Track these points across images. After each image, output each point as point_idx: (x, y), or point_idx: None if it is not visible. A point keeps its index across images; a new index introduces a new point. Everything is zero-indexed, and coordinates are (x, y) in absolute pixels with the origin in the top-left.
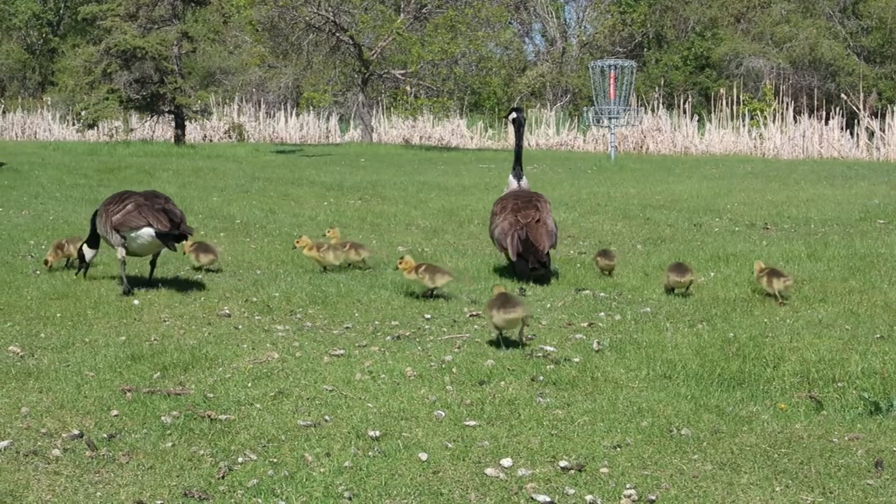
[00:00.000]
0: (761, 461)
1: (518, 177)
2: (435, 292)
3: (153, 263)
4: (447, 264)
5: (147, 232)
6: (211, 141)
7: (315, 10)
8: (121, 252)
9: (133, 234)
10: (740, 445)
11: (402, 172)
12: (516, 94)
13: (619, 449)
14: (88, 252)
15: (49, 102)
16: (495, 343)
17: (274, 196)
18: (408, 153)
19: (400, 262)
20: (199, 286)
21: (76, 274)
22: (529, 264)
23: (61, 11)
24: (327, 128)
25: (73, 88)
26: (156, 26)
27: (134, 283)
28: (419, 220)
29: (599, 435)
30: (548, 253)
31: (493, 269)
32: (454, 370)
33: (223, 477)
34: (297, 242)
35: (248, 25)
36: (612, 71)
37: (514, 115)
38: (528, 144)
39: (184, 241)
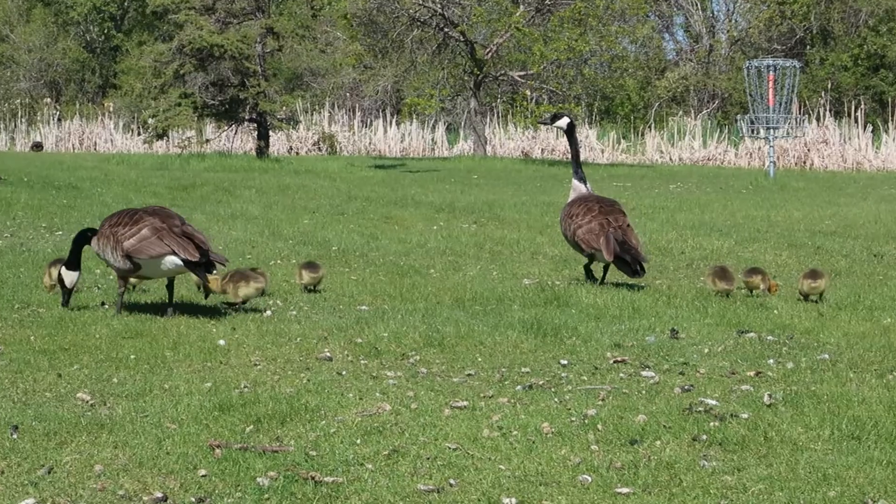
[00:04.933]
0: None
1: (583, 180)
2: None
3: (171, 287)
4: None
5: (172, 260)
6: (298, 153)
7: (420, 2)
8: (121, 283)
9: (152, 262)
10: None
11: (523, 191)
12: (654, 98)
13: None
14: (70, 276)
15: (111, 109)
16: None
17: (374, 219)
18: (528, 168)
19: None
20: (294, 324)
21: (62, 306)
22: (631, 266)
23: (126, 4)
24: (433, 139)
25: (140, 92)
26: (236, 21)
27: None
28: (546, 247)
29: None
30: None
31: (634, 308)
32: (599, 426)
33: None
34: None
35: (342, 20)
36: (771, 72)
37: (566, 120)
38: (670, 159)
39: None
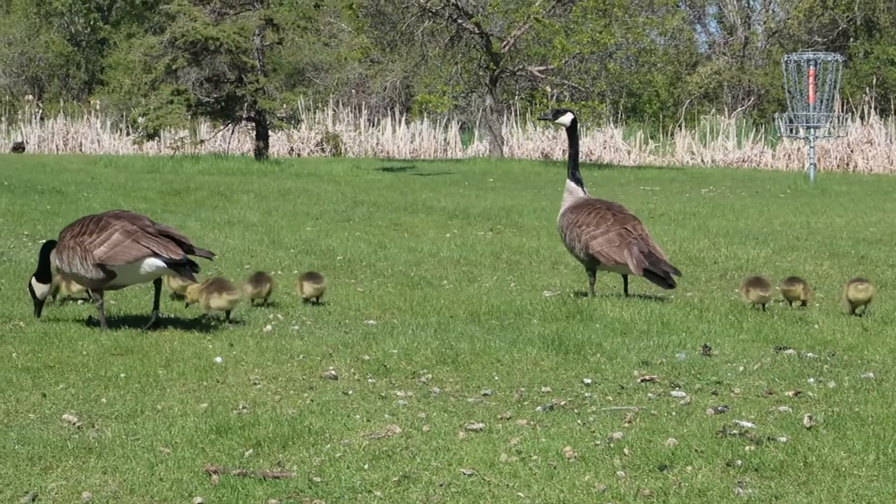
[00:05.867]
0: None
1: (580, 182)
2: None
3: (158, 286)
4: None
5: (152, 263)
6: (299, 155)
7: None
8: (98, 297)
9: (129, 267)
10: None
11: (543, 196)
12: (685, 95)
13: None
14: (40, 287)
15: (98, 106)
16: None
17: (383, 225)
18: (548, 171)
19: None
20: (297, 340)
21: (35, 315)
22: (666, 280)
23: None
24: (445, 139)
25: (129, 89)
26: (233, 11)
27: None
28: (568, 256)
29: None
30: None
31: (664, 323)
32: (626, 451)
33: None
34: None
35: (347, 10)
36: (811, 67)
37: (570, 116)
38: (702, 161)
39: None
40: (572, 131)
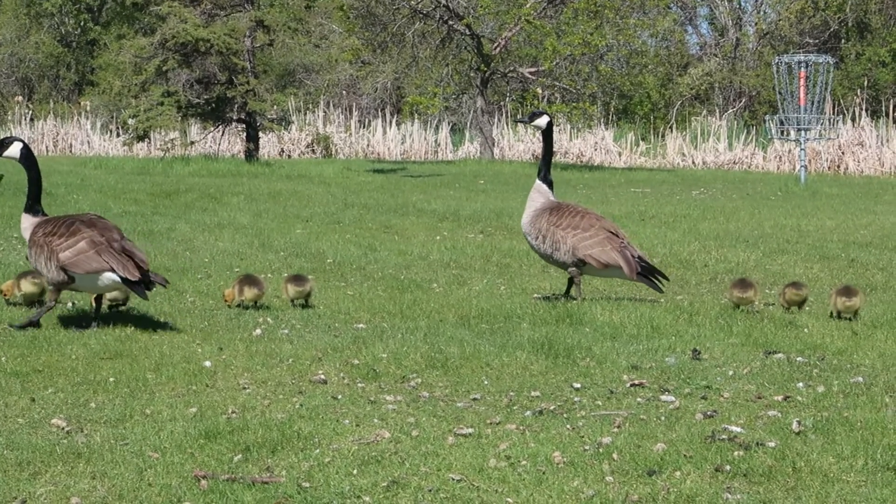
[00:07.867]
0: None
1: (552, 185)
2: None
3: (99, 300)
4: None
5: (109, 277)
6: (290, 157)
7: None
8: (53, 294)
9: (88, 277)
10: None
11: None
12: (676, 97)
13: None
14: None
15: (88, 108)
16: None
17: (373, 228)
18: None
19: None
20: (286, 344)
21: None
22: (659, 283)
23: None
24: (436, 141)
25: (120, 90)
26: (223, 13)
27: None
28: None
29: None
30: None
31: (653, 327)
32: (615, 456)
33: None
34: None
35: (338, 11)
36: (803, 69)
37: (546, 119)
38: (693, 162)
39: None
40: (547, 134)
